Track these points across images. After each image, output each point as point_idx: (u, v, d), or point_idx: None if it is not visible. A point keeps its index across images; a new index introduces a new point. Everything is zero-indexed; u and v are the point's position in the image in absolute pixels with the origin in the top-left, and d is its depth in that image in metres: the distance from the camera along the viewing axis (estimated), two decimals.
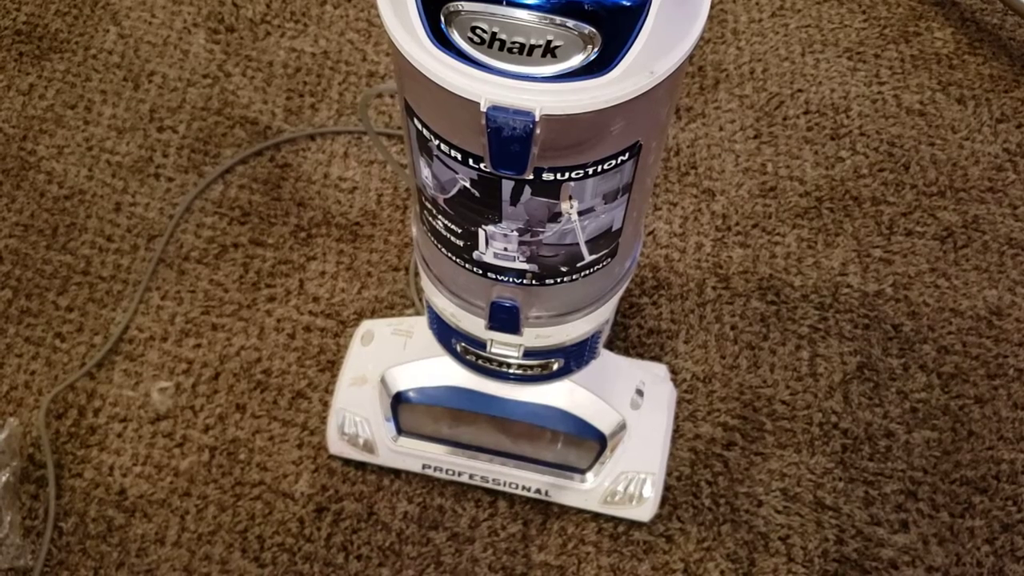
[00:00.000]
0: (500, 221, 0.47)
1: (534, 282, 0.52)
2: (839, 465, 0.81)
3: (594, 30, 0.36)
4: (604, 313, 0.61)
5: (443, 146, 0.44)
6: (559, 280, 0.52)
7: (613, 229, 0.50)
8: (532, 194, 0.44)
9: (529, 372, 0.65)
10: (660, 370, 0.81)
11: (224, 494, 0.79)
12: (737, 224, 0.94)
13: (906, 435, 0.83)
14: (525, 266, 0.51)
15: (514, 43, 0.37)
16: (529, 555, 0.77)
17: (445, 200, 0.48)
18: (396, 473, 0.80)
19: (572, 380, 0.71)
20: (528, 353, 0.62)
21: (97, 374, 0.85)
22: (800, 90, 1.03)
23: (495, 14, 0.36)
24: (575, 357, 0.65)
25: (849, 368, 0.86)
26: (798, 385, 0.85)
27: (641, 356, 0.86)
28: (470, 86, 0.38)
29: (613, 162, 0.43)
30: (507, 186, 0.44)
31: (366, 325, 0.81)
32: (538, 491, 0.77)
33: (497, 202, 0.46)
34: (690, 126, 1.00)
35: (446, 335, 0.65)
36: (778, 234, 0.93)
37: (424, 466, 0.78)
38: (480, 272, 0.53)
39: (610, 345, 0.86)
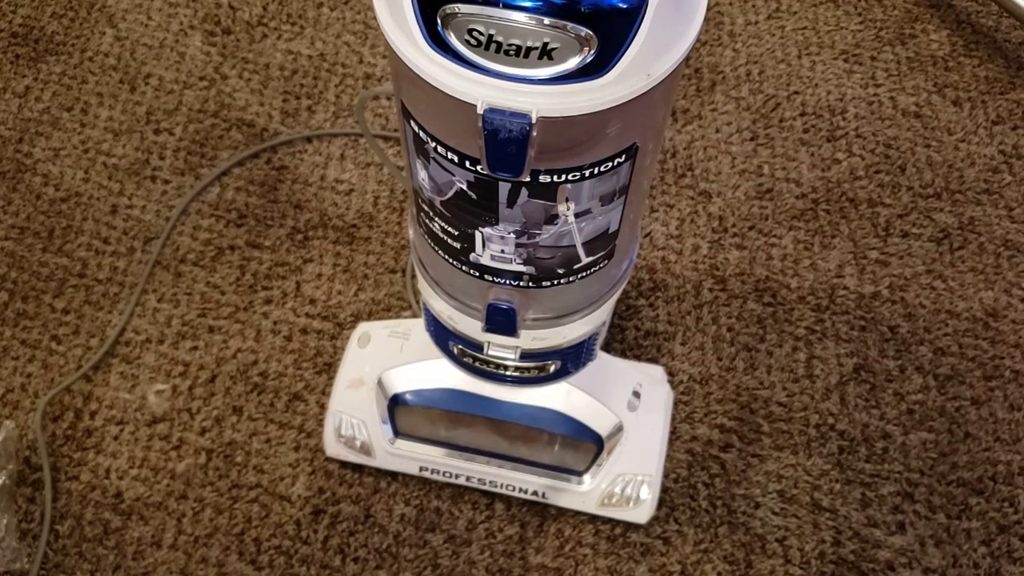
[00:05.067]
0: (497, 223, 0.47)
1: (531, 284, 0.52)
2: (836, 467, 0.81)
3: (591, 32, 0.36)
4: (601, 315, 0.61)
5: (440, 148, 0.44)
6: (556, 282, 0.52)
7: (610, 231, 0.50)
8: (529, 196, 0.44)
9: (526, 374, 0.65)
10: (657, 372, 0.81)
11: (221, 497, 0.79)
12: (734, 226, 0.94)
13: (903, 437, 0.83)
14: (522, 268, 0.51)
15: (511, 45, 0.37)
16: (526, 557, 0.77)
17: (442, 202, 0.48)
18: (393, 475, 0.80)
19: (569, 382, 0.71)
20: (525, 355, 0.62)
21: (93, 377, 0.84)
22: (796, 92, 1.03)
23: (492, 16, 0.36)
24: (572, 359, 0.65)
25: (846, 370, 0.86)
26: (795, 387, 0.85)
27: (638, 358, 0.86)
28: (467, 88, 0.38)
29: (610, 164, 0.43)
30: (504, 188, 0.44)
31: (363, 327, 0.81)
32: (535, 493, 0.77)
33: (494, 204, 0.46)
34: (686, 128, 1.00)
35: (443, 337, 0.65)
36: (774, 236, 0.93)
37: (421, 468, 0.78)
38: (477, 274, 0.53)
39: (607, 347, 0.86)
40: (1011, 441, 0.83)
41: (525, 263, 0.50)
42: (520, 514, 0.79)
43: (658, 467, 0.76)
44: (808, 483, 0.80)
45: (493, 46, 0.37)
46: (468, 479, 0.78)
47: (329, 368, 0.85)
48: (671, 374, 0.85)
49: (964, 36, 1.08)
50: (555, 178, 0.43)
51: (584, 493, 0.76)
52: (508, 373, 0.65)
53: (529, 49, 0.37)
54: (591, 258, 0.51)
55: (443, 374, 0.73)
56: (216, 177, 0.96)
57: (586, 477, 0.76)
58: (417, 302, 0.88)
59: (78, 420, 0.82)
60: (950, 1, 1.11)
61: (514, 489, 0.77)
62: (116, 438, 0.82)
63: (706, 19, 0.45)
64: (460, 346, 0.64)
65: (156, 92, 1.02)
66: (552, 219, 0.46)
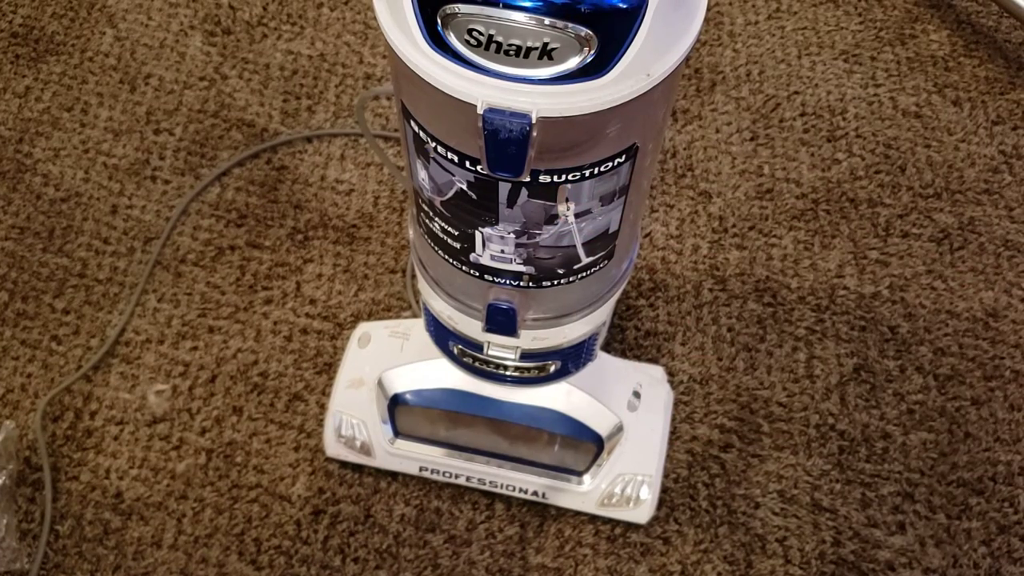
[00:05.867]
0: (497, 223, 0.47)
1: (531, 284, 0.52)
2: (836, 467, 0.81)
3: (591, 32, 0.36)
4: (601, 315, 0.61)
5: (440, 148, 0.44)
6: (556, 282, 0.52)
7: (610, 231, 0.50)
8: (529, 196, 0.44)
9: (526, 374, 0.65)
10: (657, 372, 0.81)
11: (221, 497, 0.79)
12: (734, 226, 0.94)
13: (903, 437, 0.83)
14: (522, 268, 0.51)
15: (511, 45, 0.37)
16: (526, 557, 0.77)
17: (442, 202, 0.48)
18: (393, 475, 0.80)
19: (569, 382, 0.71)
20: (525, 355, 0.62)
21: (93, 377, 0.84)
22: (796, 92, 1.03)
23: (492, 16, 0.36)
24: (572, 359, 0.65)
25: (846, 370, 0.86)
26: (795, 387, 0.85)
27: (638, 358, 0.86)
28: (467, 88, 0.38)
29: (610, 164, 0.43)
30: (504, 188, 0.44)
31: (363, 327, 0.81)
32: (535, 493, 0.77)
33: (494, 204, 0.46)
34: (687, 128, 1.00)
35: (443, 337, 0.65)
36: (775, 236, 0.93)
37: (421, 468, 0.78)
38: (477, 274, 0.53)
39: (607, 347, 0.86)
40: (1011, 441, 0.83)
41: (525, 263, 0.50)
42: (520, 514, 0.79)
43: (658, 467, 0.76)
44: (808, 483, 0.80)
45: (493, 46, 0.37)
46: (468, 479, 0.78)
47: (329, 368, 0.85)
48: (671, 374, 0.85)
49: (964, 36, 1.08)
50: (555, 178, 0.43)
51: (584, 493, 0.76)
52: (508, 373, 0.65)
53: (529, 49, 0.37)
54: (591, 258, 0.51)
55: (443, 374, 0.73)
56: (216, 177, 0.96)
57: (586, 477, 0.76)
58: (417, 302, 0.88)
59: (78, 420, 0.82)
60: (950, 1, 1.11)
61: (514, 489, 0.77)
62: (116, 438, 0.82)
63: (706, 19, 0.45)
64: (460, 346, 0.64)
65: (156, 92, 1.02)
66: (552, 219, 0.46)
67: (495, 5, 0.36)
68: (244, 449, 0.81)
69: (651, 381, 0.79)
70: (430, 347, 0.69)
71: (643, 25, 0.37)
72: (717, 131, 1.00)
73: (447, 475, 0.78)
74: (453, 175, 0.45)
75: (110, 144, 0.98)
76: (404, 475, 0.80)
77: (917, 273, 0.91)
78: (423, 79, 0.39)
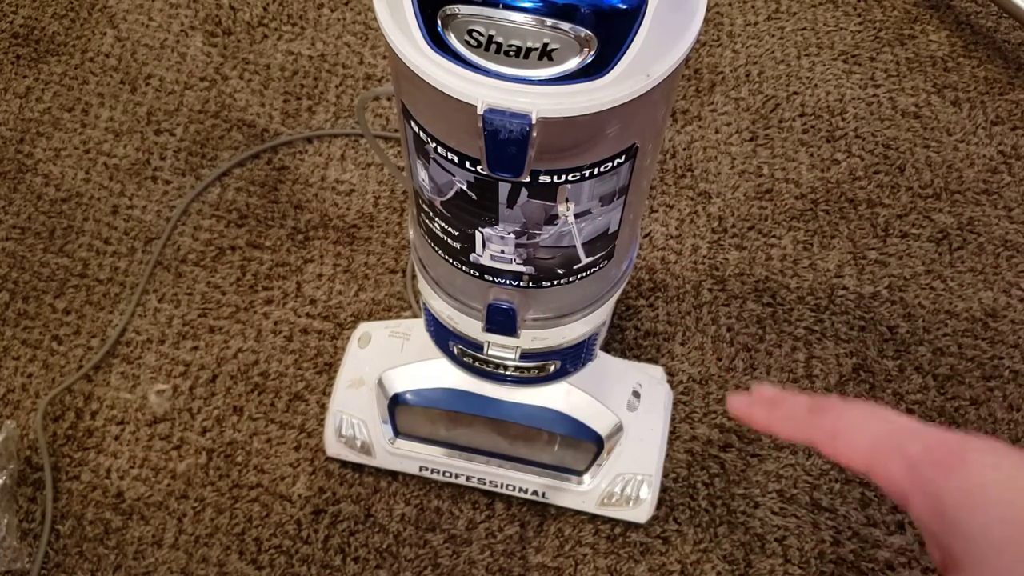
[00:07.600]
0: (497, 223, 0.47)
1: (531, 284, 0.52)
2: (835, 466, 0.81)
3: (590, 33, 0.36)
4: (601, 315, 0.61)
5: (440, 149, 0.44)
6: (556, 282, 0.52)
7: (609, 231, 0.50)
8: (529, 196, 0.45)
9: (526, 374, 0.66)
10: (657, 372, 0.81)
11: (221, 496, 0.79)
12: (733, 226, 0.94)
13: None
14: (522, 268, 0.51)
15: (511, 46, 0.37)
16: (526, 557, 0.77)
17: (442, 203, 0.48)
18: (393, 475, 0.80)
19: (569, 382, 0.72)
20: (525, 355, 0.63)
21: (94, 377, 0.85)
22: (796, 93, 1.03)
23: (492, 17, 0.36)
24: (572, 359, 0.65)
25: (845, 370, 0.86)
26: (794, 387, 0.85)
27: (638, 358, 0.86)
28: (467, 89, 0.39)
29: (609, 165, 0.43)
30: (504, 188, 0.44)
31: (363, 327, 0.81)
32: (535, 493, 0.77)
33: (494, 204, 0.46)
34: (686, 129, 1.00)
35: (443, 337, 0.65)
36: (774, 236, 0.93)
37: (421, 468, 0.78)
38: (477, 274, 0.53)
39: (607, 347, 0.86)
40: (1011, 441, 0.83)
41: (525, 263, 0.50)
42: (520, 514, 0.79)
43: (658, 467, 0.76)
44: (807, 483, 0.81)
45: (493, 47, 0.37)
46: (468, 479, 0.78)
47: (329, 368, 0.85)
48: (671, 374, 0.85)
49: (963, 37, 1.08)
50: (555, 178, 0.43)
51: (584, 493, 0.76)
52: (508, 373, 0.65)
53: (529, 50, 0.37)
54: (591, 258, 0.51)
55: (443, 374, 0.73)
56: (217, 177, 0.96)
57: (586, 477, 0.76)
58: (417, 302, 0.88)
59: (79, 420, 0.82)
60: (949, 1, 1.11)
61: (514, 489, 0.77)
62: (117, 438, 0.82)
63: (706, 20, 0.45)
64: (460, 346, 0.64)
65: (157, 93, 1.02)
66: (552, 219, 0.46)
67: (495, 6, 0.36)
68: (245, 449, 0.81)
69: (651, 381, 0.79)
70: (430, 347, 0.69)
71: (643, 26, 0.37)
72: (716, 131, 1.00)
73: (447, 475, 0.78)
74: (453, 175, 0.45)
75: (111, 144, 0.98)
76: (404, 475, 0.80)
77: (916, 273, 0.91)
78: (423, 80, 0.40)
